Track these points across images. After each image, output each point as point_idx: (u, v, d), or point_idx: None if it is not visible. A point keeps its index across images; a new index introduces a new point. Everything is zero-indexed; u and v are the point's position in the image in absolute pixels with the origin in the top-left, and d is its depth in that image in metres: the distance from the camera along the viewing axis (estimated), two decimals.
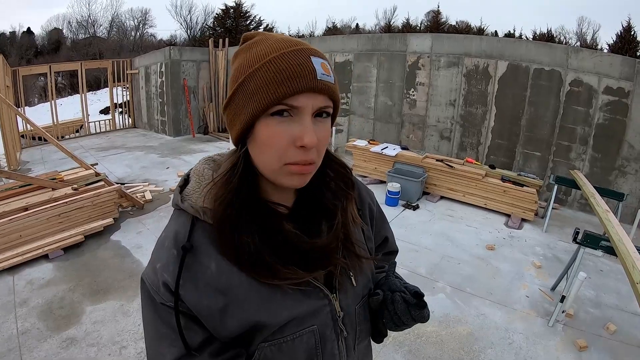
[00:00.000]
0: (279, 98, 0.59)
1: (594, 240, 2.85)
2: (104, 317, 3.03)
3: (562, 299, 2.89)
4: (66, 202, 4.15)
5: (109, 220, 4.42)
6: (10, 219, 3.80)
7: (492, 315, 3.11)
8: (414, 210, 5.26)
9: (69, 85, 21.79)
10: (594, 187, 4.08)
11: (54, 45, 28.27)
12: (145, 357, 0.73)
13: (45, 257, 3.83)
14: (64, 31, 30.44)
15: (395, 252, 1.06)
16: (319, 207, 0.74)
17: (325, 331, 0.73)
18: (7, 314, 3.03)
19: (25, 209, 4.08)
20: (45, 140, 8.73)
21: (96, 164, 6.74)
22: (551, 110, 5.53)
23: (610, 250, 2.75)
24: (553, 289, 3.45)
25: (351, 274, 0.76)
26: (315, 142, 0.61)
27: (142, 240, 4.27)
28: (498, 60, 5.88)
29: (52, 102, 9.61)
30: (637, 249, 2.52)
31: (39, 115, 11.52)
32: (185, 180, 0.75)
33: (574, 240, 2.91)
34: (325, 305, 0.72)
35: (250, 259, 0.64)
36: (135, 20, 31.07)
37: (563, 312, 2.97)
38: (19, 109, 8.26)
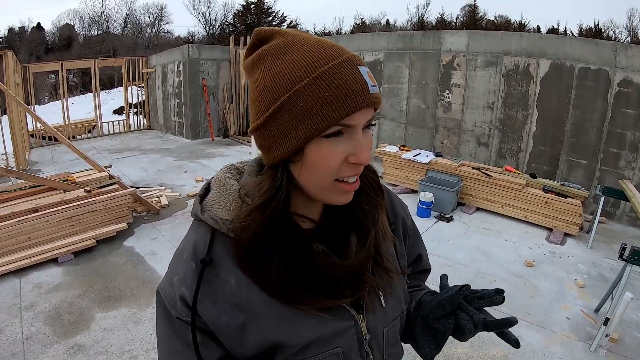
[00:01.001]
0: (336, 120, 0.58)
1: None
2: (114, 325, 3.12)
3: (606, 321, 2.86)
4: (78, 205, 4.30)
5: (123, 225, 4.57)
6: (19, 220, 3.94)
7: (529, 337, 3.09)
8: (447, 222, 5.27)
9: (81, 84, 22.56)
10: None
11: (65, 41, 29.28)
12: None
13: (54, 260, 3.97)
14: (76, 27, 31.53)
15: (428, 270, 1.06)
16: (348, 218, 0.73)
17: (350, 354, 0.72)
18: (12, 318, 3.13)
19: (35, 210, 4.22)
20: (56, 140, 9.14)
21: (110, 166, 6.96)
22: (598, 114, 5.46)
23: None
24: (597, 310, 3.41)
25: (380, 293, 0.76)
26: (370, 158, 0.62)
27: (157, 247, 4.40)
28: (540, 59, 5.85)
29: (64, 100, 9.95)
30: None
31: (49, 114, 11.96)
32: (206, 190, 0.76)
33: (620, 256, 2.89)
34: (351, 327, 0.72)
35: (273, 283, 0.65)
36: (151, 17, 32.05)
37: (607, 336, 2.93)
38: (29, 107, 8.60)
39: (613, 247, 4.57)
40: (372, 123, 0.65)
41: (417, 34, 7.42)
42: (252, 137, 0.68)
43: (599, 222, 4.77)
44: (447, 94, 6.93)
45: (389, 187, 0.85)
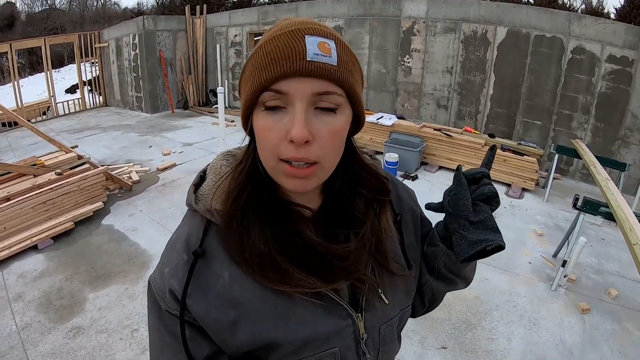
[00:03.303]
0: (263, 84, 0.57)
1: (594, 207, 3.14)
2: (109, 303, 3.17)
3: (564, 263, 3.21)
4: (51, 188, 4.21)
5: (99, 205, 4.56)
6: None
7: (496, 280, 3.44)
8: (412, 180, 5.55)
9: (28, 64, 21.30)
10: (596, 156, 4.37)
11: (6, 20, 27.35)
12: None
13: (34, 248, 3.90)
14: (17, 4, 29.49)
15: None
16: (347, 214, 0.71)
17: (347, 354, 0.70)
18: (1, 311, 3.09)
19: (7, 199, 4.10)
20: (10, 125, 8.79)
21: (76, 146, 6.82)
22: (552, 79, 5.78)
23: (610, 216, 3.04)
24: (555, 255, 3.78)
25: (380, 291, 0.73)
26: (303, 136, 0.56)
27: (136, 222, 4.45)
28: (497, 26, 6.09)
29: (15, 83, 9.45)
30: (637, 216, 2.79)
31: None
32: (201, 178, 0.73)
33: (574, 206, 3.21)
34: (349, 326, 0.69)
35: (259, 259, 0.63)
36: None
37: (565, 276, 3.29)
38: None
39: (567, 200, 4.91)
40: (329, 107, 0.60)
41: (377, 0, 7.47)
42: None
43: (553, 178, 5.13)
44: (407, 59, 7.10)
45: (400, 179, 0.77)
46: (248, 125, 0.64)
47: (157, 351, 0.68)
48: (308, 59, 0.56)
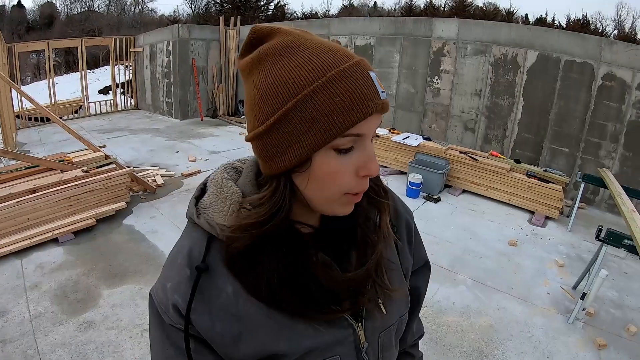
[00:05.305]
0: (348, 126, 0.55)
1: (617, 239, 3.05)
2: (123, 301, 3.22)
3: (583, 296, 3.11)
4: (77, 185, 4.35)
5: (121, 204, 4.66)
6: (18, 201, 3.96)
7: (512, 309, 3.36)
8: (435, 202, 5.49)
9: (64, 63, 22.07)
10: (622, 186, 4.27)
11: (46, 20, 28.46)
12: None
13: (54, 240, 4.01)
14: (57, 5, 30.66)
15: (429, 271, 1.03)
16: (349, 225, 0.70)
17: None
18: (17, 298, 3.17)
19: (34, 191, 4.22)
20: (42, 120, 9.10)
21: (104, 146, 6.99)
22: (581, 105, 5.69)
23: (633, 250, 2.95)
24: (575, 287, 3.68)
25: (379, 300, 0.73)
26: (378, 169, 0.59)
27: (157, 225, 4.53)
28: (528, 50, 6.04)
29: (50, 80, 9.79)
30: None
31: (34, 94, 11.46)
32: (202, 190, 0.72)
33: (597, 237, 3.12)
34: (350, 335, 0.70)
35: (268, 292, 0.63)
36: None
37: (583, 309, 3.19)
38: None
39: (591, 231, 4.75)
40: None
41: (408, 20, 7.56)
42: (251, 144, 0.63)
43: (578, 207, 5.01)
44: (437, 79, 7.10)
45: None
46: (298, 167, 0.59)
47: None
48: (381, 98, 0.57)
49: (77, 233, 4.17)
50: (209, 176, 0.73)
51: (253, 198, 0.63)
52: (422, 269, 0.98)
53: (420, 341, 0.96)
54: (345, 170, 0.58)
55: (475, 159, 5.67)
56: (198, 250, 0.65)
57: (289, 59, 0.56)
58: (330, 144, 0.56)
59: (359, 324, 0.71)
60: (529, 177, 5.31)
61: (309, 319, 0.65)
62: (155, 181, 5.65)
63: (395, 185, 5.71)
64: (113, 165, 5.14)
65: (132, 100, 11.70)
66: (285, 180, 0.60)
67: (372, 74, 0.57)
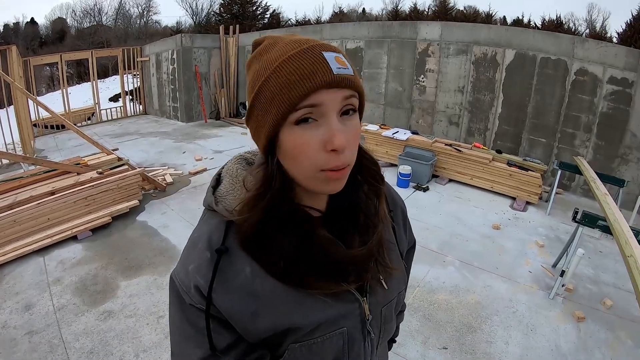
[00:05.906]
0: (295, 100, 0.57)
1: (592, 220, 3.09)
2: (139, 291, 3.24)
3: (562, 273, 3.15)
4: (92, 186, 4.35)
5: (134, 202, 4.66)
6: (38, 203, 3.96)
7: (498, 287, 3.40)
8: (424, 191, 5.51)
9: (76, 74, 21.98)
10: (596, 172, 4.30)
11: (58, 34, 28.33)
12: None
13: (74, 238, 4.02)
14: (68, 20, 30.53)
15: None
16: (353, 209, 0.72)
17: (354, 333, 0.73)
18: (41, 293, 3.20)
19: (53, 193, 4.23)
20: (58, 128, 9.07)
21: (116, 149, 6.98)
22: (557, 99, 5.71)
23: (607, 230, 2.98)
24: (554, 265, 3.71)
25: (381, 277, 0.75)
26: (345, 143, 0.58)
27: (168, 220, 4.53)
28: (506, 49, 6.05)
29: (64, 90, 9.76)
30: (632, 230, 2.74)
31: (49, 104, 11.56)
32: (217, 180, 0.74)
33: (574, 219, 3.16)
34: (356, 309, 0.72)
35: (283, 268, 0.64)
36: (140, 8, 31.13)
37: (563, 285, 3.23)
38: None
39: (568, 214, 4.75)
40: (351, 108, 0.62)
41: (395, 24, 7.52)
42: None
43: (556, 192, 5.06)
44: (422, 78, 7.09)
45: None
46: (270, 145, 0.63)
47: (179, 342, 0.69)
48: (334, 72, 0.57)
49: (95, 230, 4.18)
50: (223, 167, 0.76)
51: (253, 167, 0.69)
52: (411, 249, 1.01)
53: (414, 318, 0.97)
54: (310, 143, 0.58)
55: (460, 151, 5.68)
56: (217, 235, 0.66)
57: (262, 58, 0.62)
58: (288, 119, 0.58)
59: (364, 298, 0.73)
60: (509, 166, 5.34)
61: (319, 293, 0.67)
62: (165, 180, 5.64)
63: (387, 176, 5.44)
64: (125, 167, 5.14)
65: (141, 106, 11.63)
66: (271, 158, 0.64)
67: (328, 54, 0.59)
